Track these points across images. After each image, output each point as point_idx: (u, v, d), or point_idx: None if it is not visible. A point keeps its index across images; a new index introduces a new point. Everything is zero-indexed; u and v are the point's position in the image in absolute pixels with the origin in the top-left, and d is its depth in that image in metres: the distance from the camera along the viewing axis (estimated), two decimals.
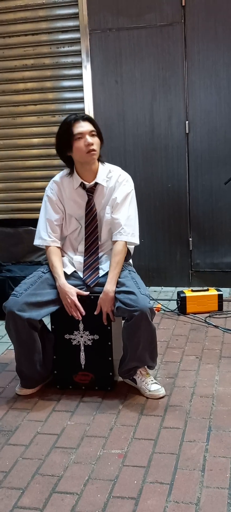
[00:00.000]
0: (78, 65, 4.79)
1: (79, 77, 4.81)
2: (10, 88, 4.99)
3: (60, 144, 3.03)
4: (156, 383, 3.00)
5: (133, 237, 3.05)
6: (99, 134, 3.00)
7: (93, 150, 2.94)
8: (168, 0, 4.51)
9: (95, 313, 2.95)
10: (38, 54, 4.88)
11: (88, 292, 2.99)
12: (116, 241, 3.02)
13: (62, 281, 2.97)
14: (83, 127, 2.94)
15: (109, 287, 2.92)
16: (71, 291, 2.94)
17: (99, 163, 3.07)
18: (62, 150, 3.04)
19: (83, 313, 2.96)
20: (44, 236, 3.09)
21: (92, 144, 2.93)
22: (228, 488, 2.16)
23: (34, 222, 3.15)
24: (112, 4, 4.61)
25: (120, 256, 2.98)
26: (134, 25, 4.60)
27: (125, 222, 3.01)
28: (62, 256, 3.13)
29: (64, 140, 2.99)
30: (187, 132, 4.66)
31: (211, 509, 2.05)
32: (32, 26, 4.85)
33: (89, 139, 2.93)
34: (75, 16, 4.73)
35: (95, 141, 2.96)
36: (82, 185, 3.07)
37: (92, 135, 2.95)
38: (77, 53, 4.78)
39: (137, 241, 3.09)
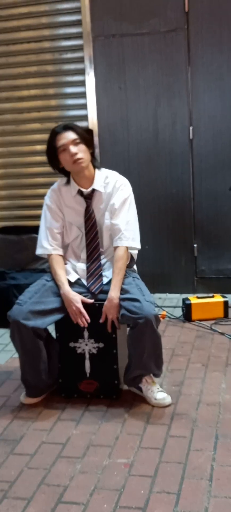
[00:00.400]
0: (81, 72, 4.79)
1: (83, 83, 4.80)
2: (14, 95, 4.99)
3: (49, 159, 3.03)
4: (162, 391, 2.98)
5: (134, 242, 3.04)
6: (85, 140, 2.96)
7: (79, 158, 2.92)
8: (171, 6, 4.50)
9: (100, 321, 2.93)
10: (41, 61, 4.88)
11: (93, 300, 2.97)
12: (117, 246, 3.00)
13: (66, 288, 2.95)
14: (65, 138, 2.91)
15: (114, 293, 2.90)
16: (76, 298, 2.92)
17: (96, 169, 3.05)
18: (53, 164, 3.03)
19: (89, 320, 2.93)
20: (45, 245, 3.08)
21: (76, 154, 2.90)
22: None
23: (37, 229, 3.15)
24: (115, 10, 4.60)
25: (121, 262, 2.96)
26: (137, 31, 4.59)
27: (124, 227, 3.00)
28: (65, 263, 3.11)
29: (51, 154, 2.99)
30: (191, 137, 4.64)
31: None
32: (35, 33, 4.84)
33: (72, 149, 2.90)
34: (78, 23, 4.72)
35: (80, 148, 2.92)
36: (80, 192, 3.05)
37: (76, 144, 2.92)
38: (80, 60, 4.77)
39: (138, 246, 3.07)
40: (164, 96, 4.64)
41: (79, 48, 4.76)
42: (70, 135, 2.92)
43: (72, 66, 4.83)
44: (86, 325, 2.94)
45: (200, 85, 4.57)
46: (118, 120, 4.76)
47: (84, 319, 2.93)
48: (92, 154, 3.06)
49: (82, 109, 4.84)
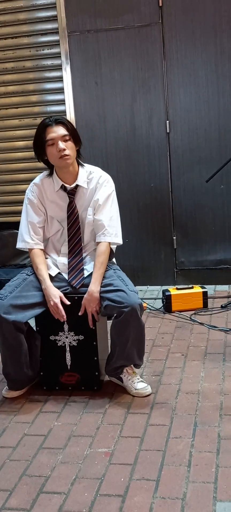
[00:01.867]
0: (59, 67, 4.81)
1: (60, 79, 4.82)
2: None
3: (36, 149, 3.04)
4: (142, 381, 3.02)
5: (116, 238, 3.07)
6: (74, 137, 2.98)
7: (66, 155, 2.93)
8: (145, 1, 4.54)
9: (79, 313, 2.96)
10: (18, 57, 4.88)
11: (69, 303, 2.98)
12: (99, 242, 3.03)
13: (47, 283, 2.98)
14: (55, 132, 2.92)
15: (94, 287, 2.93)
16: (55, 294, 2.95)
17: (79, 166, 3.07)
18: (38, 155, 3.05)
19: (65, 317, 2.96)
20: (27, 239, 3.09)
21: (64, 150, 2.92)
22: (214, 482, 2.19)
23: (18, 225, 3.15)
24: (90, 6, 4.63)
25: (103, 257, 2.99)
26: (112, 26, 4.62)
27: (108, 223, 3.03)
28: (46, 257, 3.13)
29: (38, 145, 3.00)
30: (168, 131, 4.69)
31: (197, 503, 2.08)
32: (12, 29, 4.85)
33: (61, 144, 2.91)
34: (54, 19, 4.74)
35: (68, 145, 2.94)
36: (63, 187, 3.07)
37: (65, 140, 2.93)
38: (57, 55, 4.79)
39: (120, 241, 3.10)
40: (140, 91, 4.68)
41: (56, 43, 4.78)
42: (61, 130, 2.93)
43: (49, 62, 4.85)
44: (65, 319, 2.96)
45: (175, 80, 4.62)
46: (95, 115, 4.78)
47: (59, 315, 2.95)
48: (78, 151, 3.06)
49: (61, 104, 4.86)
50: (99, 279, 2.95)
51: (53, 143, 2.93)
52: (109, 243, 3.05)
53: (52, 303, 2.94)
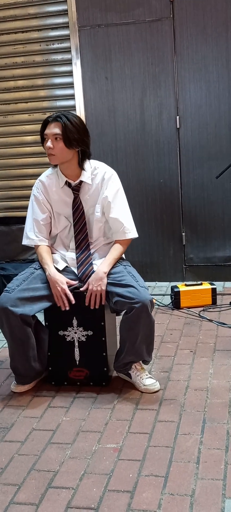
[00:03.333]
0: (69, 62, 4.80)
1: (70, 74, 4.81)
2: (0, 86, 4.98)
3: (41, 142, 3.06)
4: (150, 377, 3.02)
5: (134, 232, 3.10)
6: (68, 139, 2.91)
7: (51, 154, 2.95)
8: None
9: (81, 289, 2.98)
10: (28, 52, 4.88)
11: (77, 282, 3.00)
12: (119, 239, 3.06)
13: (52, 270, 2.98)
14: (49, 129, 2.94)
15: (101, 267, 2.95)
16: (62, 280, 2.96)
17: (81, 166, 3.03)
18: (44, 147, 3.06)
19: (73, 302, 2.95)
20: (31, 236, 3.12)
21: (50, 148, 2.93)
22: (223, 479, 2.18)
23: None
24: (100, 0, 4.61)
25: (121, 248, 3.06)
26: (122, 21, 4.60)
27: (124, 220, 3.05)
28: (54, 253, 3.14)
29: (41, 138, 3.03)
30: (178, 127, 4.67)
31: (206, 500, 2.07)
32: (22, 23, 4.84)
33: (48, 143, 2.93)
34: (64, 13, 4.73)
35: (57, 145, 2.93)
36: (67, 184, 3.07)
37: (55, 139, 2.93)
38: (67, 50, 4.78)
39: (137, 234, 3.13)
40: (150, 86, 4.67)
41: (66, 38, 4.77)
42: (54, 129, 2.93)
43: (59, 56, 4.84)
44: (68, 307, 2.95)
45: (185, 75, 4.60)
46: (105, 110, 4.77)
47: (67, 302, 2.94)
48: (84, 153, 3.02)
49: (70, 99, 4.85)
50: (109, 263, 2.97)
51: (47, 139, 2.96)
52: (129, 239, 3.08)
53: (59, 288, 2.93)
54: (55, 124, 2.94)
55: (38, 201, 3.12)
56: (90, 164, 3.09)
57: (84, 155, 3.04)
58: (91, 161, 3.11)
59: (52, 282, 2.95)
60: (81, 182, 3.07)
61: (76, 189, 3.07)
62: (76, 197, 3.08)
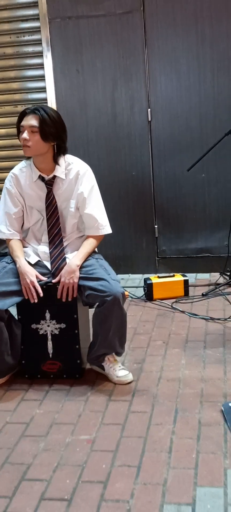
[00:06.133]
0: (40, 54, 4.76)
1: (41, 66, 4.78)
2: None
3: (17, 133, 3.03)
4: (123, 369, 3.04)
5: (107, 228, 3.11)
6: (44, 133, 2.89)
7: (26, 146, 2.92)
8: None
9: (53, 281, 2.99)
10: None
11: (46, 279, 3.00)
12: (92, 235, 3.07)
13: (22, 262, 2.98)
14: (26, 120, 2.91)
15: (74, 260, 2.96)
16: (31, 272, 2.95)
17: (55, 160, 3.02)
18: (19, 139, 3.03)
19: (41, 294, 2.95)
20: (3, 229, 3.10)
21: (26, 140, 2.90)
22: (194, 468, 2.21)
23: None
24: None
25: (94, 243, 3.07)
26: (92, 13, 4.59)
27: (99, 216, 3.06)
28: (25, 247, 3.13)
29: (17, 130, 2.99)
30: (149, 119, 4.69)
31: (178, 489, 2.10)
32: None
33: (24, 134, 2.90)
34: (34, 5, 4.70)
35: (33, 137, 2.90)
36: (41, 178, 3.06)
37: (32, 131, 2.90)
38: (38, 42, 4.75)
39: (110, 230, 3.14)
40: (121, 78, 4.67)
41: (37, 30, 4.74)
42: (31, 121, 2.90)
43: (30, 49, 4.80)
44: (36, 300, 2.95)
45: (156, 67, 4.61)
46: (76, 103, 4.76)
47: (35, 295, 2.94)
48: (59, 147, 3.01)
49: (42, 92, 4.82)
50: (81, 256, 2.98)
51: (23, 131, 2.93)
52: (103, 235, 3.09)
53: (28, 280, 2.93)
54: (32, 116, 2.91)
55: (10, 194, 3.10)
56: (64, 159, 3.08)
57: (59, 150, 3.02)
58: (66, 156, 3.10)
59: (22, 274, 2.95)
60: (54, 176, 3.05)
61: (49, 183, 3.06)
62: (49, 191, 3.07)
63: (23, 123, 2.93)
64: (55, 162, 3.03)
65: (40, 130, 2.90)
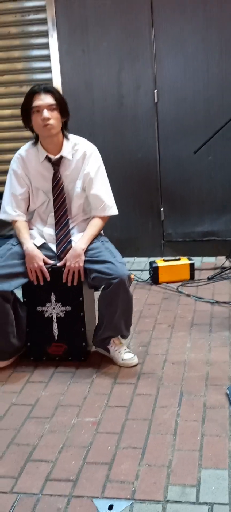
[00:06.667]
0: (45, 34, 4.72)
1: (46, 46, 4.74)
2: None
3: (22, 116, 2.98)
4: (129, 351, 3.04)
5: (114, 209, 3.10)
6: (61, 108, 2.92)
7: (49, 124, 2.88)
8: None
9: (58, 264, 2.98)
10: (3, 23, 4.79)
11: (53, 262, 3.00)
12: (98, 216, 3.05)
13: (30, 245, 2.97)
14: (42, 100, 2.87)
15: (79, 243, 2.95)
16: (40, 256, 2.95)
17: (64, 138, 3.02)
18: (25, 121, 2.99)
19: (48, 279, 2.96)
20: (9, 210, 3.09)
21: (48, 119, 2.87)
22: (199, 450, 2.22)
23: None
24: None
25: (100, 224, 3.06)
26: None
27: (105, 197, 3.05)
28: (31, 229, 3.12)
29: (25, 112, 2.94)
30: (155, 101, 4.65)
31: (183, 470, 2.10)
32: None
33: (45, 113, 2.86)
34: None
35: (53, 115, 2.88)
36: (47, 158, 3.04)
37: (51, 109, 2.88)
38: (43, 22, 4.70)
39: (117, 211, 3.13)
40: (127, 59, 4.62)
41: (42, 9, 4.68)
42: (48, 99, 2.87)
43: (35, 28, 4.76)
44: (42, 283, 2.96)
45: (163, 49, 4.56)
46: (82, 84, 4.72)
47: (42, 278, 2.95)
48: (66, 123, 3.02)
49: (47, 72, 4.78)
50: (87, 239, 2.96)
51: (38, 111, 2.88)
52: (108, 216, 3.08)
53: (36, 265, 2.93)
54: (46, 95, 2.88)
55: (17, 175, 3.08)
56: (71, 140, 3.06)
57: (66, 126, 3.03)
58: (72, 136, 3.08)
59: (30, 257, 2.94)
60: (61, 157, 3.03)
61: (56, 164, 3.04)
62: (56, 172, 3.05)
63: (38, 103, 2.87)
64: (66, 137, 3.02)
65: (58, 106, 2.89)
